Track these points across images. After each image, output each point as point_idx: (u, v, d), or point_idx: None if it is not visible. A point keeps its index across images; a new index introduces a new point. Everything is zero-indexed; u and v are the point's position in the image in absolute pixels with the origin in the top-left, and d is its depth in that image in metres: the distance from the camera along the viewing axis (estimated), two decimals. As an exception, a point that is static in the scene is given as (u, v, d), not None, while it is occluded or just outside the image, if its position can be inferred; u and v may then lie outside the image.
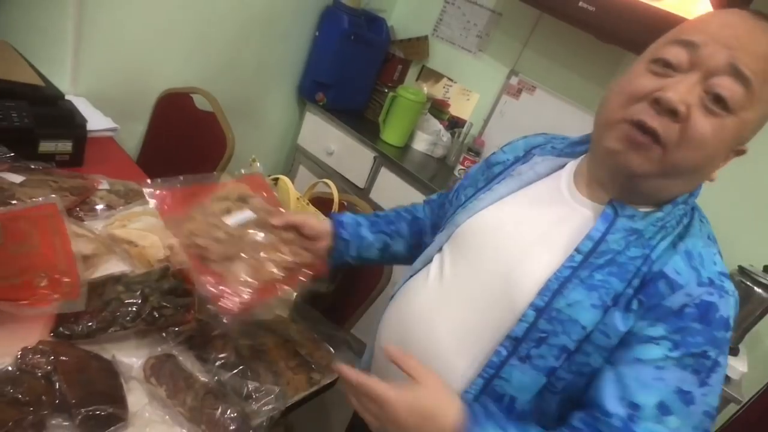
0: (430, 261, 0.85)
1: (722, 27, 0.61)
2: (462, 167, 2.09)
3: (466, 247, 0.80)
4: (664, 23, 1.44)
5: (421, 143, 2.24)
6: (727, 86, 0.59)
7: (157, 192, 0.90)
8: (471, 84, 2.23)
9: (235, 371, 0.89)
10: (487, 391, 0.70)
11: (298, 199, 1.35)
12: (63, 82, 1.48)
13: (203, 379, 0.84)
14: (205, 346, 0.92)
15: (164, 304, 0.90)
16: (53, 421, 0.72)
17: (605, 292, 0.65)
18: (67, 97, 1.30)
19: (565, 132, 2.08)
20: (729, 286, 0.64)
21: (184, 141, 1.71)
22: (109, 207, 1.14)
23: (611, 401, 0.63)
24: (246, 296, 0.80)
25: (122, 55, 1.65)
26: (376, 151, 2.07)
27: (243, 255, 0.82)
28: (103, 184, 1.22)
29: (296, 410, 0.97)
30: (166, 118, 1.78)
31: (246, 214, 0.88)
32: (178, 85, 1.78)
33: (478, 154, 2.07)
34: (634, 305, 0.64)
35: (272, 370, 0.96)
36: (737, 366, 1.47)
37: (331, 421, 1.82)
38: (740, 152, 0.67)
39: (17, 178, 1.06)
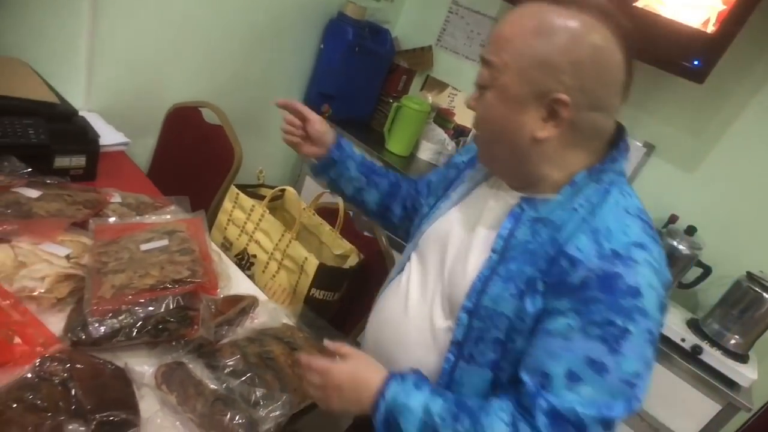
0: (402, 269, 0.92)
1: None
2: (467, 175, 2.11)
3: (424, 255, 0.88)
4: (669, 30, 1.47)
5: (426, 152, 2.26)
6: (479, 73, 0.73)
7: (97, 225, 1.09)
8: (475, 92, 2.25)
9: (243, 378, 0.91)
10: None
11: (304, 209, 1.38)
12: (77, 98, 1.52)
13: (212, 386, 0.86)
14: (214, 354, 0.95)
15: (168, 318, 0.93)
16: (70, 427, 0.74)
17: (520, 280, 0.71)
18: (80, 112, 1.35)
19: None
20: (639, 254, 0.66)
21: (193, 154, 1.75)
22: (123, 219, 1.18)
23: (525, 372, 0.69)
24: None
25: (133, 71, 1.70)
26: (381, 161, 2.09)
27: (132, 271, 0.95)
28: (116, 198, 1.25)
29: (303, 417, 0.99)
30: (176, 132, 1.82)
31: (160, 243, 1.04)
32: (187, 99, 1.83)
33: (482, 161, 2.09)
34: (540, 287, 0.69)
35: (279, 377, 0.98)
36: (747, 373, 1.46)
37: (338, 429, 1.83)
38: (554, 105, 0.68)
39: (34, 193, 1.10)
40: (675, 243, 1.56)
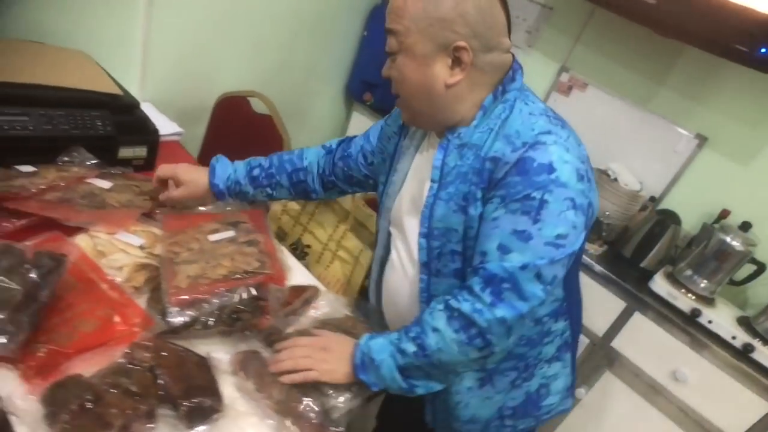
0: (389, 248, 1.05)
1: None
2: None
3: (401, 226, 1.01)
4: (733, 15, 1.43)
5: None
6: (387, 43, 0.84)
7: (164, 215, 1.13)
8: (518, 81, 2.23)
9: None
10: None
11: (353, 198, 1.40)
12: (132, 89, 1.56)
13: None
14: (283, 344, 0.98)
15: (241, 308, 0.97)
16: (160, 411, 0.79)
17: (458, 197, 0.85)
18: (139, 104, 1.38)
19: (619, 131, 2.06)
20: (547, 138, 0.79)
21: (241, 142, 1.78)
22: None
23: (475, 257, 0.84)
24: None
25: (184, 62, 1.73)
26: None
27: (204, 262, 1.00)
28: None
29: (370, 404, 1.02)
30: (225, 121, 1.85)
31: (227, 234, 1.08)
32: (235, 88, 1.85)
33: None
34: (479, 194, 0.83)
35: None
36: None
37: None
38: (455, 52, 0.80)
39: (106, 184, 1.15)
40: (728, 239, 1.53)
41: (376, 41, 2.14)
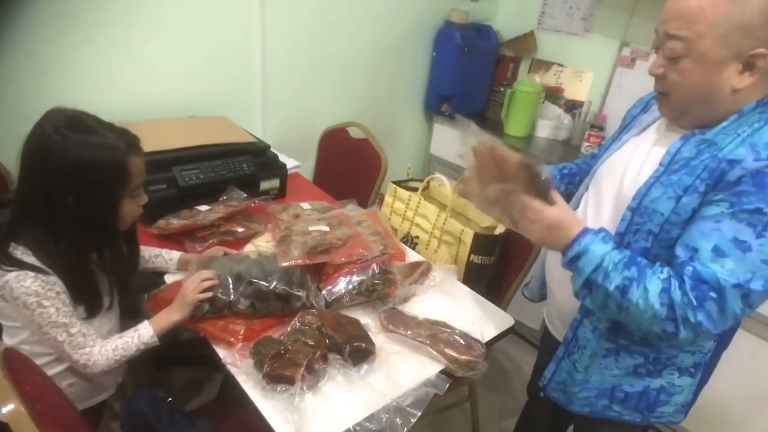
0: (577, 206, 1.10)
1: (665, 10, 0.84)
2: (588, 143, 2.22)
3: (600, 184, 1.05)
4: None
5: (544, 130, 2.41)
6: (668, 47, 0.83)
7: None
8: (583, 64, 2.36)
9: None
10: None
11: (450, 192, 1.64)
12: (258, 137, 1.96)
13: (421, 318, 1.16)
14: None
15: (375, 281, 1.24)
16: (331, 356, 1.07)
17: (678, 187, 0.85)
18: (266, 147, 1.75)
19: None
20: None
21: (346, 166, 2.11)
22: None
23: (679, 247, 0.84)
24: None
25: (292, 110, 2.12)
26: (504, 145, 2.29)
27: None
28: (306, 206, 1.62)
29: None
30: (330, 150, 2.20)
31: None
32: (334, 122, 2.21)
33: (601, 129, 2.19)
34: (701, 188, 0.82)
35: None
36: None
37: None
38: (752, 60, 0.78)
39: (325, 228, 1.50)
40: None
41: (444, 59, 2.40)
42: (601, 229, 0.90)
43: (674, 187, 0.85)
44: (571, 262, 0.89)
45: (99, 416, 1.22)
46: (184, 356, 1.89)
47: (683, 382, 1.02)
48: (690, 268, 0.80)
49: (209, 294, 1.11)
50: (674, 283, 0.81)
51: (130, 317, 1.19)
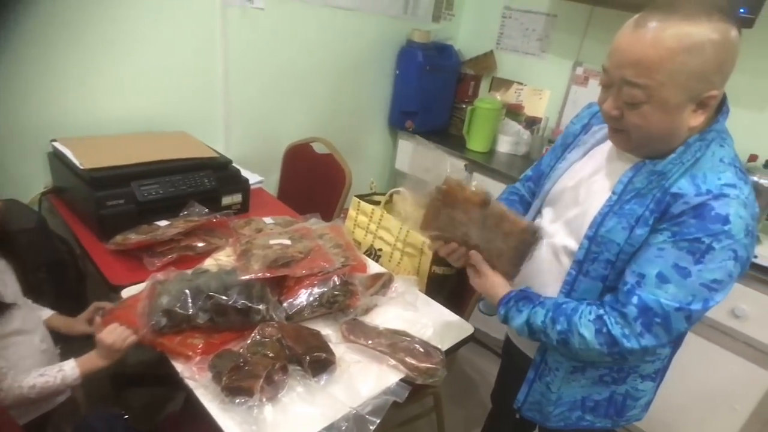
0: (534, 216, 1.14)
1: (615, 51, 0.85)
2: (546, 158, 2.30)
3: (555, 204, 1.08)
4: None
5: (504, 145, 2.49)
6: (628, 93, 0.83)
7: None
8: (541, 83, 2.46)
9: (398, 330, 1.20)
10: None
11: (412, 205, 1.67)
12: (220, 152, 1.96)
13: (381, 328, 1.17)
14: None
15: (336, 293, 1.25)
16: (290, 367, 1.07)
17: (631, 217, 0.89)
18: (230, 162, 1.75)
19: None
20: (731, 191, 0.82)
21: (311, 181, 2.13)
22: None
23: (628, 273, 0.90)
24: None
25: (255, 126, 2.13)
26: (466, 160, 2.35)
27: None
28: (269, 220, 1.62)
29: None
30: (294, 165, 2.21)
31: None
32: (298, 138, 2.22)
33: (558, 143, 2.28)
34: (651, 220, 0.88)
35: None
36: None
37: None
38: (706, 102, 0.82)
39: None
40: (756, 178, 1.66)
41: (407, 77, 2.46)
42: (521, 292, 1.01)
43: (627, 218, 0.90)
44: (505, 317, 1.02)
45: (41, 428, 1.18)
46: (144, 376, 1.83)
47: (646, 386, 1.07)
48: (635, 297, 0.87)
49: (134, 339, 1.09)
50: (609, 320, 0.89)
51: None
